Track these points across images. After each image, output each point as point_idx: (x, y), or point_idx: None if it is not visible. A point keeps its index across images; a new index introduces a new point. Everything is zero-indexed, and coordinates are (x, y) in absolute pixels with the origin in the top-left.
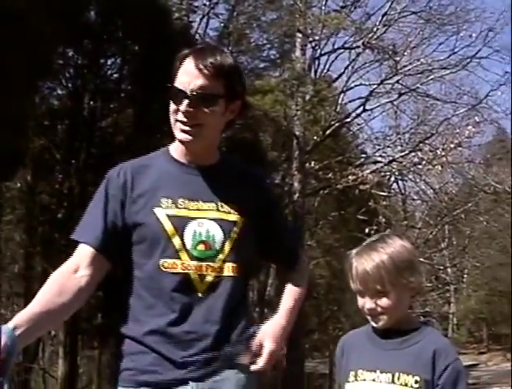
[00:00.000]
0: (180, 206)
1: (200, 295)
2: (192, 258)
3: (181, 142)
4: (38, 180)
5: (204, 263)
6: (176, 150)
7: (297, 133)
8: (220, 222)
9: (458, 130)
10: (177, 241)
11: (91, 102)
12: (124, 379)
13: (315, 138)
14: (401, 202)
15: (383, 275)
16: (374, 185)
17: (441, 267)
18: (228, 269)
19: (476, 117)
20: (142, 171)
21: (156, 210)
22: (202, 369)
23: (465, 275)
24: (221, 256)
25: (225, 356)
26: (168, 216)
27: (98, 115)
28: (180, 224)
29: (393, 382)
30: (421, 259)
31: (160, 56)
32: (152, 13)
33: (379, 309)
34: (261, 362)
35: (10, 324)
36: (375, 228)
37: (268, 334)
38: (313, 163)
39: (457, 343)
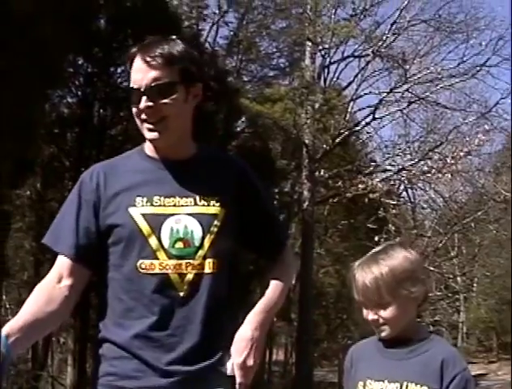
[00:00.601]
0: (155, 204)
1: (181, 295)
2: (170, 256)
3: (151, 141)
4: (48, 187)
5: (184, 261)
6: (149, 147)
7: (307, 141)
8: (199, 217)
9: (467, 139)
10: (153, 240)
11: (101, 110)
12: (103, 384)
13: (324, 146)
14: (410, 210)
15: (381, 288)
16: (384, 194)
17: (451, 276)
18: (209, 265)
19: (486, 126)
20: (115, 171)
21: (131, 209)
22: (185, 377)
23: (475, 284)
24: (201, 252)
25: (208, 363)
26: (144, 215)
27: (108, 123)
28: (156, 222)
29: None
30: (431, 268)
31: None
32: (162, 21)
33: (381, 320)
34: (238, 379)
35: (2, 333)
36: (385, 236)
37: (236, 350)
38: (322, 171)
39: (466, 352)
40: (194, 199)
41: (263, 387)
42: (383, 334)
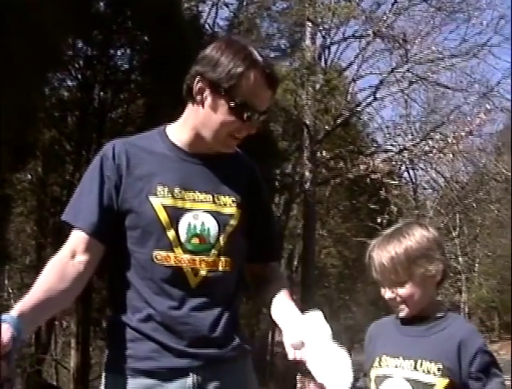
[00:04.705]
0: (176, 196)
1: (193, 287)
2: (185, 251)
3: (222, 150)
4: (49, 171)
5: (198, 257)
6: (176, 134)
7: (308, 122)
8: (216, 215)
9: (469, 119)
10: (171, 233)
11: (102, 93)
12: (118, 367)
13: (326, 127)
14: (412, 191)
15: (398, 266)
16: (385, 175)
17: (453, 256)
18: (223, 264)
19: (487, 105)
20: (137, 153)
21: (152, 198)
22: (202, 359)
23: (476, 264)
24: (215, 250)
25: (225, 347)
26: (164, 207)
27: (108, 106)
28: (175, 215)
29: (415, 368)
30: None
31: (169, 46)
32: (162, 3)
33: (398, 298)
34: None
35: (14, 312)
36: (387, 217)
37: None
38: (323, 152)
39: None
40: (213, 196)
41: (266, 368)
42: (402, 313)
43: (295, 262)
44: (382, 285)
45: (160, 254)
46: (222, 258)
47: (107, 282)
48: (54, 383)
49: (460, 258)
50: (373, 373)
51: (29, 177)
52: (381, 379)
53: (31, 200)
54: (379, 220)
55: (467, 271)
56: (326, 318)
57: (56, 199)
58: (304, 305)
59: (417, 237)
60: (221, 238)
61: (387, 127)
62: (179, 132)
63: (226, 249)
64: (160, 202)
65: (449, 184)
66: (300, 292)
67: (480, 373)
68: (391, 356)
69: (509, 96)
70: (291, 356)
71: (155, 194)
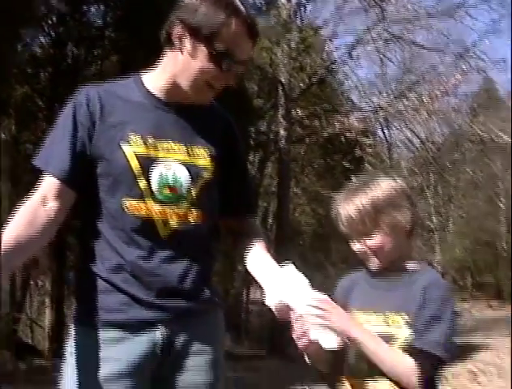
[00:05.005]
0: (149, 145)
1: (163, 239)
2: (156, 202)
3: (198, 100)
4: (22, 129)
5: (169, 208)
6: (152, 82)
7: (283, 80)
8: (189, 166)
9: (444, 79)
10: (142, 182)
11: (75, 49)
12: (87, 320)
13: (301, 85)
14: (387, 150)
15: (365, 218)
16: (360, 133)
17: (426, 215)
18: (194, 216)
19: (463, 66)
20: (112, 101)
21: (124, 146)
22: (171, 312)
23: (450, 224)
24: (187, 202)
25: (195, 300)
26: (136, 155)
27: (81, 63)
28: (147, 164)
29: (386, 322)
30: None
31: (143, 2)
32: None
33: (368, 250)
34: None
35: None
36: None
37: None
38: (298, 110)
39: None
40: (187, 147)
41: (241, 326)
42: (372, 266)
43: (269, 221)
44: (351, 238)
45: (130, 204)
46: (193, 211)
47: (78, 232)
48: (29, 342)
49: (434, 218)
50: None
51: (3, 135)
52: None
53: (4, 159)
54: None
55: (440, 230)
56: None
57: (29, 157)
58: (278, 263)
59: (384, 187)
60: (193, 190)
61: (363, 86)
62: (155, 79)
63: (198, 201)
64: (132, 150)
65: (424, 144)
66: (274, 249)
67: (430, 316)
68: (362, 310)
69: (484, 57)
70: (280, 318)
71: (128, 143)
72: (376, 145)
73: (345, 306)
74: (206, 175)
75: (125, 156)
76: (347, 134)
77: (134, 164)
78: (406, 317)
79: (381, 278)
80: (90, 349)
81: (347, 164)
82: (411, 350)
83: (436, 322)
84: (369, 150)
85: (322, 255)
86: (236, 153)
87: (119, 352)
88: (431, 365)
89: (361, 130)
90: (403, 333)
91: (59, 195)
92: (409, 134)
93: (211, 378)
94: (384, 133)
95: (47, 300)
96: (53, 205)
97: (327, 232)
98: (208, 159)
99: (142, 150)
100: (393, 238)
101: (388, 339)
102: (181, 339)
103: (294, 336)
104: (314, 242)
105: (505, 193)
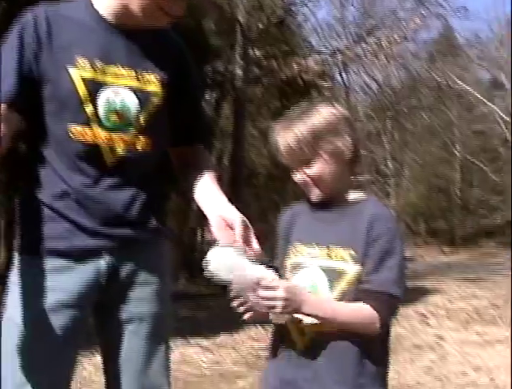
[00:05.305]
0: (97, 69)
1: (109, 166)
2: (103, 128)
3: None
4: None
5: (116, 135)
6: (103, 5)
7: (241, 20)
8: (138, 92)
9: (404, 24)
10: (89, 108)
11: None
12: (31, 248)
13: (259, 26)
14: (344, 94)
15: (303, 145)
16: (318, 76)
17: (382, 160)
18: (142, 143)
19: (423, 12)
20: (60, 22)
21: (71, 70)
22: (116, 240)
23: (405, 170)
24: (135, 129)
25: (140, 228)
26: (83, 79)
27: None
28: (94, 89)
29: (329, 256)
30: (362, 151)
31: None
32: None
33: (308, 179)
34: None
35: None
36: None
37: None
38: (256, 51)
39: None
40: (136, 72)
41: (194, 265)
42: (313, 196)
43: (225, 161)
44: (292, 168)
45: (76, 129)
46: (141, 138)
47: (23, 159)
48: None
49: (390, 163)
50: (288, 262)
51: None
52: (295, 269)
53: None
54: None
55: (396, 176)
56: (254, 217)
57: None
58: (234, 204)
59: (323, 113)
60: (142, 117)
61: (322, 29)
62: (106, 2)
63: (146, 128)
64: (79, 74)
65: (381, 89)
66: (229, 190)
67: (378, 254)
68: (305, 244)
69: (443, 4)
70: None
71: (75, 66)
72: (333, 89)
73: (288, 239)
74: (156, 101)
75: (72, 80)
76: (305, 77)
77: (81, 88)
78: (352, 252)
79: (323, 210)
80: (33, 278)
81: None
82: (366, 293)
83: (387, 257)
84: (327, 93)
85: (276, 196)
86: (188, 80)
87: (63, 281)
88: (389, 304)
89: (319, 72)
90: (351, 269)
91: (4, 119)
92: (367, 79)
93: (156, 309)
94: (342, 77)
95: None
96: None
97: (282, 174)
98: (158, 84)
99: (89, 74)
100: (333, 166)
101: (335, 274)
102: (126, 268)
103: (235, 306)
104: (269, 183)
105: (460, 140)
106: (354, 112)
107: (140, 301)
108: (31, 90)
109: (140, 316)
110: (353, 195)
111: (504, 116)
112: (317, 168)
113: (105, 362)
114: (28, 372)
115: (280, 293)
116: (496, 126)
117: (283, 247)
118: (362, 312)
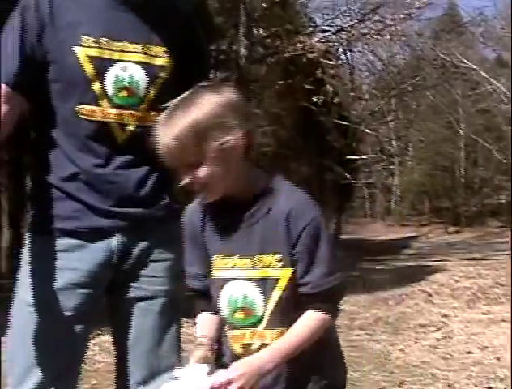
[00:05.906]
0: (103, 46)
1: (120, 143)
2: (112, 105)
3: None
4: None
5: (126, 111)
6: None
7: None
8: (146, 66)
9: (408, 1)
10: (97, 86)
11: None
12: (41, 228)
13: (263, 4)
14: (348, 73)
15: (187, 145)
16: (322, 54)
17: (386, 139)
18: (152, 118)
19: None
20: (62, 2)
21: (76, 49)
22: (128, 219)
23: (409, 149)
24: (145, 104)
25: (153, 207)
26: (89, 57)
27: None
28: (101, 66)
29: (254, 266)
30: (367, 131)
31: None
32: None
33: (198, 182)
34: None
35: None
36: (322, 97)
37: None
38: (260, 30)
39: (399, 214)
40: (144, 47)
41: None
42: (211, 199)
43: None
44: (178, 170)
45: (84, 108)
46: (151, 113)
47: (31, 142)
48: None
49: (394, 142)
50: (212, 278)
51: None
52: (220, 284)
53: None
54: (314, 100)
55: (400, 154)
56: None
57: None
58: None
59: (205, 104)
60: (151, 91)
61: (326, 8)
62: None
63: (156, 102)
64: (85, 52)
65: (386, 67)
66: None
67: (305, 253)
68: (225, 255)
69: None
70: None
71: (81, 45)
72: (338, 67)
73: (201, 245)
74: (165, 74)
75: (78, 59)
76: (309, 55)
77: (88, 66)
78: (277, 256)
79: (235, 213)
80: (45, 258)
81: (308, 86)
82: (306, 297)
83: (315, 250)
84: (331, 72)
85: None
86: (196, 50)
87: (75, 261)
88: (331, 297)
89: (323, 51)
90: (281, 274)
91: (7, 100)
92: (371, 57)
93: (168, 286)
94: (346, 55)
95: (4, 218)
96: (2, 109)
97: (287, 154)
98: (166, 57)
99: (95, 52)
100: (225, 164)
101: (266, 283)
102: (138, 247)
103: None
104: (274, 163)
105: (464, 118)
106: (358, 90)
107: (153, 278)
108: (35, 72)
109: (153, 293)
110: (256, 187)
111: (509, 94)
112: (205, 169)
113: (116, 342)
114: (40, 352)
115: (234, 386)
116: (501, 104)
117: (194, 254)
118: (310, 325)
